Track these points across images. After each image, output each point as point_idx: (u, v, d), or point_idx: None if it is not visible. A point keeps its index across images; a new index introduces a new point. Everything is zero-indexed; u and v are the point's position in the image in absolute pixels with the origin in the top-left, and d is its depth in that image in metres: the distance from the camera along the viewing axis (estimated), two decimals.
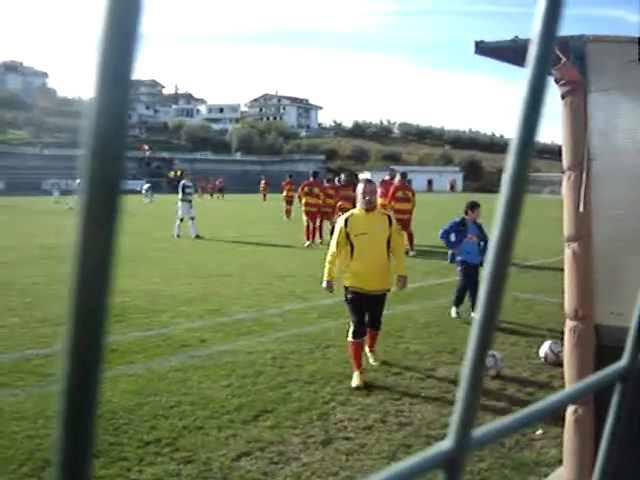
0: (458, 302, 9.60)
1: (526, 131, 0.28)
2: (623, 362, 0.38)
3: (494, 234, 0.29)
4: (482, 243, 9.51)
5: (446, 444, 0.29)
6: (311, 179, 20.20)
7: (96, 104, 0.23)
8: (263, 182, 50.73)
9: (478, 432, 0.30)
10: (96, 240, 0.24)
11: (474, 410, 0.29)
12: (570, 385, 3.49)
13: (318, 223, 19.74)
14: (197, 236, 20.31)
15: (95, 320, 0.25)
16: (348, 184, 17.96)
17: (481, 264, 9.56)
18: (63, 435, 0.25)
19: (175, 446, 5.02)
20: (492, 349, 7.00)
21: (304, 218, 19.64)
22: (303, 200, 19.67)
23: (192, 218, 20.52)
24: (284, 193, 28.39)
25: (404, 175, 17.58)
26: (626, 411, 0.39)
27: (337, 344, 7.90)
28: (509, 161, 0.28)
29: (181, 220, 20.64)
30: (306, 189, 19.67)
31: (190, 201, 20.58)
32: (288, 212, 27.79)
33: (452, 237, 9.63)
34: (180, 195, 20.66)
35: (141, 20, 0.23)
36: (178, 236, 20.36)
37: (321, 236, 19.70)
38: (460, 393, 0.29)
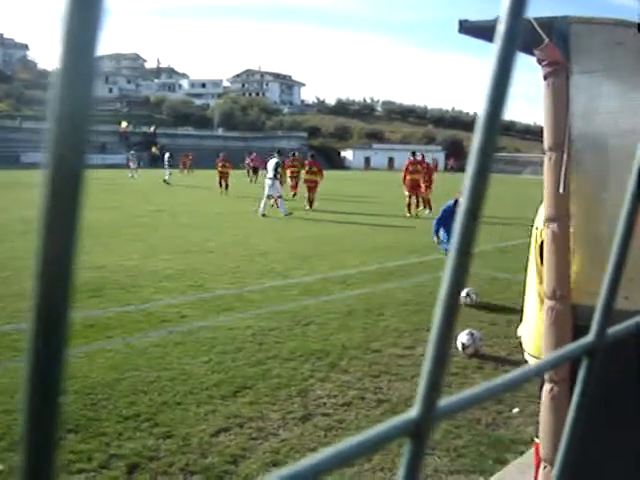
0: None
1: (493, 108, 0.28)
2: (590, 337, 0.39)
3: (461, 209, 0.30)
4: None
5: (412, 413, 0.29)
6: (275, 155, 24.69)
7: (60, 77, 0.23)
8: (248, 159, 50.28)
9: (445, 401, 0.31)
10: (60, 215, 0.24)
11: (440, 379, 0.29)
12: (545, 349, 3.54)
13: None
14: (289, 213, 20.84)
15: (59, 296, 0.25)
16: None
17: None
18: (28, 413, 0.25)
19: (154, 421, 5.03)
20: (470, 328, 7.06)
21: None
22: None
23: (280, 197, 21.39)
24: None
25: (413, 153, 23.27)
26: (592, 386, 0.40)
27: (317, 321, 7.93)
28: (476, 137, 0.29)
29: (268, 198, 21.08)
30: None
31: (279, 179, 21.72)
32: (292, 187, 28.05)
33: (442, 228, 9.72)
34: (272, 173, 21.31)
35: None
36: (288, 215, 20.66)
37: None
38: (426, 362, 0.30)
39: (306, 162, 25.52)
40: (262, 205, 20.78)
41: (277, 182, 21.34)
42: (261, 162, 37.45)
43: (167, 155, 39.12)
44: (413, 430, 0.29)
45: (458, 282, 0.28)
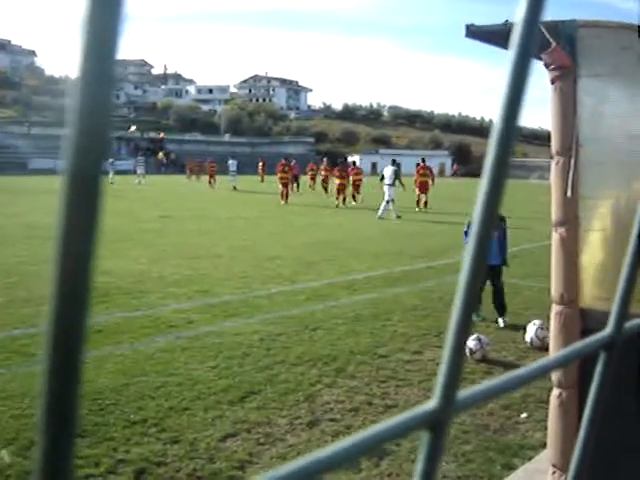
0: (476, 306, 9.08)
1: (509, 115, 0.28)
2: (608, 330, 0.38)
3: (476, 215, 0.30)
4: (502, 238, 8.46)
5: (430, 405, 0.29)
6: (283, 161, 31.32)
7: (80, 83, 0.23)
8: (261, 164, 50.51)
9: (462, 394, 0.31)
10: (79, 221, 0.24)
11: (459, 371, 0.29)
12: (554, 353, 3.53)
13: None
14: (398, 216, 22.59)
15: (77, 301, 0.25)
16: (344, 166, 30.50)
17: (504, 263, 8.58)
18: (45, 419, 0.25)
19: (161, 426, 5.03)
20: (478, 333, 7.05)
21: (279, 187, 29.53)
22: (279, 175, 30.09)
23: (392, 201, 23.18)
24: (279, 175, 30.87)
25: (423, 160, 28.49)
26: (609, 381, 0.40)
27: (324, 326, 7.92)
28: (492, 145, 0.29)
29: (387, 202, 23.07)
30: (280, 168, 30.30)
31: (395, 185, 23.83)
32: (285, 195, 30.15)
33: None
34: (390, 180, 23.49)
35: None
36: (398, 217, 22.41)
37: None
38: (445, 354, 0.29)
39: (336, 168, 30.03)
40: (392, 210, 22.71)
41: (393, 188, 23.35)
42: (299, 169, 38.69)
43: (234, 162, 40.52)
44: (432, 422, 0.29)
45: (475, 272, 0.28)
